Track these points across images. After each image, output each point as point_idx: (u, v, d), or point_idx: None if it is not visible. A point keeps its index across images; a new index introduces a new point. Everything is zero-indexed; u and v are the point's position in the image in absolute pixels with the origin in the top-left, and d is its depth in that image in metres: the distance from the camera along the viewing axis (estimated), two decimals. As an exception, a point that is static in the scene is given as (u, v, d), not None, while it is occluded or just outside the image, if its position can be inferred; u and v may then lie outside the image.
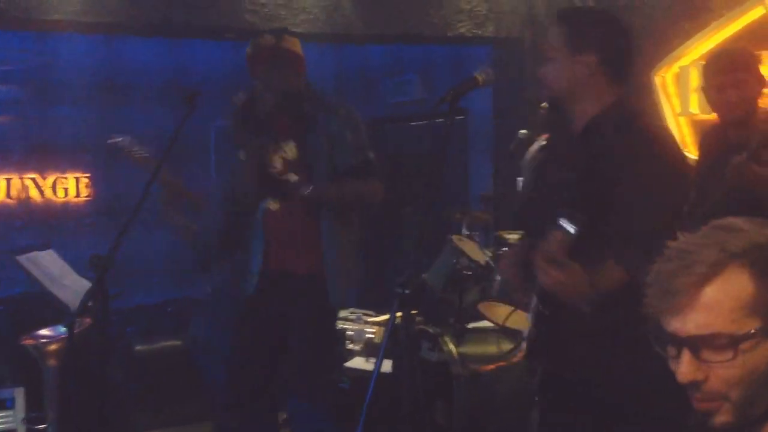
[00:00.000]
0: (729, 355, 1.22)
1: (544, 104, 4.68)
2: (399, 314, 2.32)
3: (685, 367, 1.25)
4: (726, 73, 2.89)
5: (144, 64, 6.38)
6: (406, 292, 2.35)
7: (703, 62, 3.36)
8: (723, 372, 1.23)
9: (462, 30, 5.51)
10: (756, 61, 3.09)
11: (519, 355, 4.00)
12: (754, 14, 4.15)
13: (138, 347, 4.88)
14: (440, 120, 6.40)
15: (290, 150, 3.39)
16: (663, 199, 2.13)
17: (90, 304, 2.97)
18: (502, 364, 3.94)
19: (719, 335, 1.22)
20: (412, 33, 5.55)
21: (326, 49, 6.65)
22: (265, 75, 3.35)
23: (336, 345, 3.50)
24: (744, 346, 1.22)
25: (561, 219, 2.03)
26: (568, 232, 2.01)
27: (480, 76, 2.76)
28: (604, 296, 2.05)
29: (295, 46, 3.44)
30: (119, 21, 4.83)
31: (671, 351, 1.28)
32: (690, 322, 1.24)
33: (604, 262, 2.10)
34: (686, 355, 1.25)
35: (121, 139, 3.72)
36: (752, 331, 1.22)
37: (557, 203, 2.15)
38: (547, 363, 2.42)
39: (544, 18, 5.54)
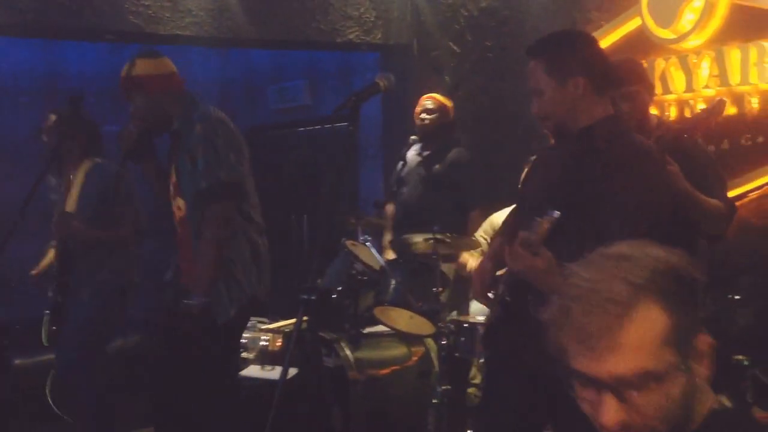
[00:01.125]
0: (653, 391, 1.20)
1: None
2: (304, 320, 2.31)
3: (611, 412, 1.20)
4: (617, 86, 3.00)
5: (17, 65, 6.10)
6: (312, 298, 2.34)
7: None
8: (647, 407, 1.20)
9: (350, 36, 5.53)
10: (643, 70, 3.22)
11: (413, 359, 4.05)
12: (632, 25, 4.34)
13: (17, 361, 4.68)
14: (330, 126, 6.42)
15: (174, 173, 3.31)
16: (642, 206, 2.24)
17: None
18: (397, 367, 3.98)
19: (642, 374, 1.19)
20: (299, 38, 5.53)
21: (212, 53, 6.54)
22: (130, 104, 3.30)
23: (217, 362, 3.31)
24: (665, 379, 1.20)
25: (549, 211, 2.11)
26: (553, 218, 2.08)
27: (382, 82, 2.78)
28: None
29: (149, 68, 3.23)
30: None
31: (588, 393, 1.24)
32: (611, 365, 1.20)
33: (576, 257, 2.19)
34: (610, 399, 1.21)
35: None
36: (671, 363, 1.20)
37: (543, 202, 2.26)
38: (502, 348, 2.51)
39: (431, 25, 5.64)
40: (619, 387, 1.20)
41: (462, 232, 4.36)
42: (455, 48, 5.55)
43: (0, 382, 4.68)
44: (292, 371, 3.42)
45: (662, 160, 2.51)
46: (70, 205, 3.94)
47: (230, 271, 3.18)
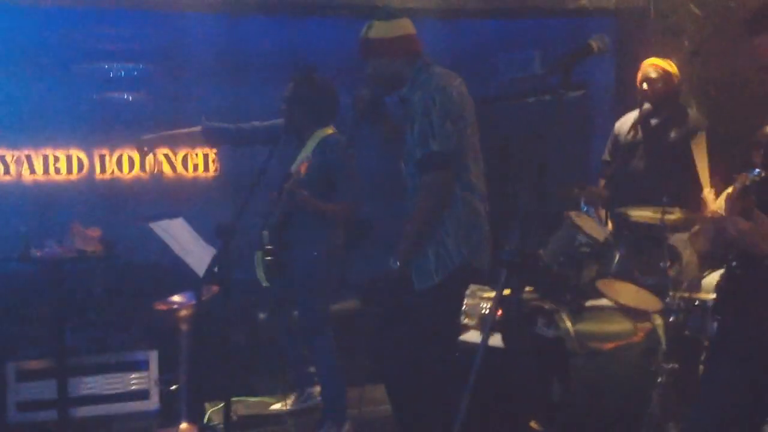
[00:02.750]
0: None
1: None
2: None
3: None
4: None
5: (262, 43, 6.49)
6: (515, 259, 2.34)
7: None
8: None
9: (583, 1, 5.38)
10: None
11: (638, 335, 3.91)
12: None
13: (262, 315, 5.06)
14: (558, 94, 6.28)
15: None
16: None
17: (216, 270, 3.12)
18: (621, 343, 3.86)
19: None
20: (529, 6, 5.45)
21: (441, 25, 6.61)
22: (365, 68, 3.37)
23: (425, 325, 3.32)
24: None
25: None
26: (753, 176, 2.01)
27: (595, 43, 2.67)
28: None
29: (386, 31, 3.26)
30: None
31: None
32: None
33: None
34: None
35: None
36: None
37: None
38: (731, 317, 2.43)
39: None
40: None
41: (694, 205, 4.13)
42: (696, 11, 5.23)
43: (246, 335, 5.11)
44: (496, 337, 3.45)
45: None
46: (299, 171, 4.06)
47: (442, 239, 3.22)
